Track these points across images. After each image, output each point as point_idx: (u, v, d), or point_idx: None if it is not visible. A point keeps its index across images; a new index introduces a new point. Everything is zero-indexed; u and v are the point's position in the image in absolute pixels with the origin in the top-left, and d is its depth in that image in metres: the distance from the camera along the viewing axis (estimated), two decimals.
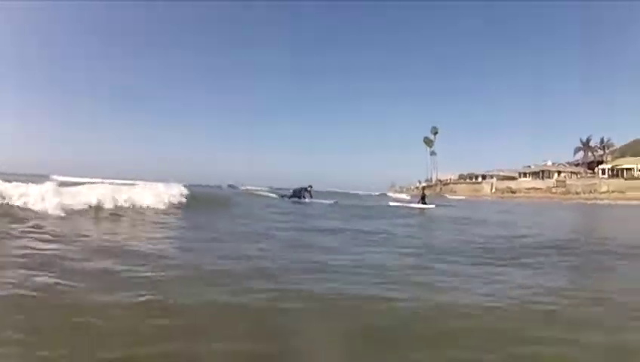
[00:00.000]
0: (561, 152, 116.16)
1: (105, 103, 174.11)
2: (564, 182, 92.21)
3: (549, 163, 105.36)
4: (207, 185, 52.98)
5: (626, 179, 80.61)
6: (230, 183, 65.70)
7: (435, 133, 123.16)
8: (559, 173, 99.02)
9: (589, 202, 66.12)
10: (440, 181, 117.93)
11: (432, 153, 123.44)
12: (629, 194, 72.37)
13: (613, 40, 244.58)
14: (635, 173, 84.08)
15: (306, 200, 28.83)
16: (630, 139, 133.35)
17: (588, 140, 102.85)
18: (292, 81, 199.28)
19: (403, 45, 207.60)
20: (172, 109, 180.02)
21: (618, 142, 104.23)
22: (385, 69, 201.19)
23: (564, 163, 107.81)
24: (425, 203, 30.60)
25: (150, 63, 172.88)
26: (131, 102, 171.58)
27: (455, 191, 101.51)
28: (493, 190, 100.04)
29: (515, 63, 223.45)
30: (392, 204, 33.13)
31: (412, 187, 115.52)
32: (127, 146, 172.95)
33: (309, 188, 30.20)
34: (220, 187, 60.92)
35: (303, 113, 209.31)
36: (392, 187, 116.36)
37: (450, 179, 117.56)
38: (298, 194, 30.03)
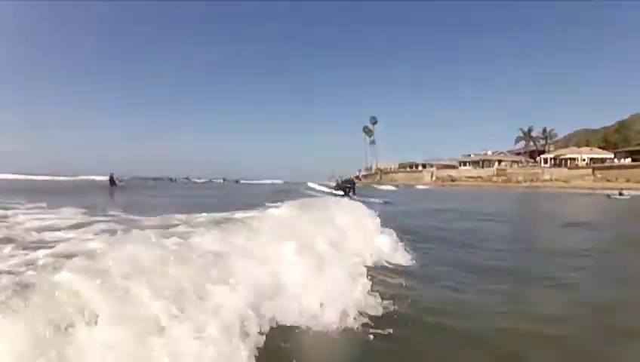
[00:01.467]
0: (504, 142, 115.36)
1: None
2: (504, 170, 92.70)
3: (490, 152, 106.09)
4: None
5: (569, 169, 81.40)
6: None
7: (375, 123, 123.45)
8: (500, 161, 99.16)
9: (531, 191, 66.02)
10: (380, 170, 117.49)
11: (372, 142, 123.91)
12: (573, 182, 73.01)
13: (554, 30, 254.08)
14: (580, 163, 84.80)
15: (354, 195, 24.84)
16: (574, 129, 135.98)
17: (529, 130, 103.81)
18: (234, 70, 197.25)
19: (342, 34, 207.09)
20: None
21: (561, 133, 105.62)
22: (328, 58, 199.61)
23: (505, 152, 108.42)
24: (352, 192, 27.80)
25: None
26: None
27: (395, 180, 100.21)
28: (434, 178, 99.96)
29: (456, 52, 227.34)
30: (309, 192, 32.48)
31: (352, 176, 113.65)
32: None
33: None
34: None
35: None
36: (331, 177, 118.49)
37: (391, 168, 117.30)
38: (344, 187, 26.40)
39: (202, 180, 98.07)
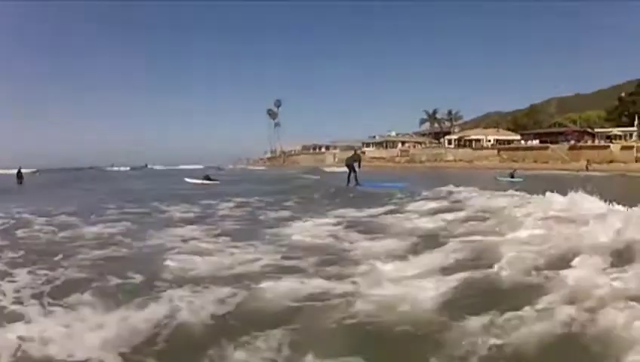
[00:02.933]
0: (412, 125, 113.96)
1: None
2: (407, 151, 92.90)
3: (393, 133, 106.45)
4: None
5: (474, 150, 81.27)
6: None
7: (279, 106, 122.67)
8: (403, 143, 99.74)
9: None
10: (284, 152, 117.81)
11: (277, 125, 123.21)
12: (477, 163, 71.94)
13: (465, 14, 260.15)
14: (485, 144, 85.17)
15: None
16: (483, 112, 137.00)
17: (434, 112, 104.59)
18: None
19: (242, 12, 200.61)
20: None
21: (474, 115, 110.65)
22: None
23: (410, 133, 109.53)
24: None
25: None
26: None
27: (298, 162, 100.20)
28: (336, 160, 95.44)
29: (362, 35, 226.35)
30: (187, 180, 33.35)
31: (257, 158, 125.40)
32: None
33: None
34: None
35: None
36: (238, 160, 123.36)
37: (294, 151, 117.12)
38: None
39: (125, 168, 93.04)
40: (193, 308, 4.34)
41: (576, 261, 4.94)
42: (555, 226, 6.99)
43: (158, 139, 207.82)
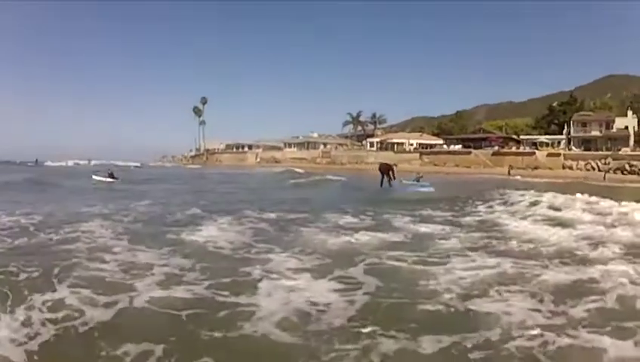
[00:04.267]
0: (335, 126, 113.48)
1: None
2: (328, 152, 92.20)
3: (315, 135, 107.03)
4: None
5: (396, 153, 79.99)
6: None
7: (204, 103, 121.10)
8: (325, 144, 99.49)
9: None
10: (207, 150, 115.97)
11: (202, 123, 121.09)
12: (399, 166, 63.54)
13: (396, 16, 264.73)
14: (407, 148, 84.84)
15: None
16: (410, 116, 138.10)
17: (358, 115, 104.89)
18: None
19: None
20: None
21: (397, 120, 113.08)
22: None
23: (333, 135, 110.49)
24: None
25: None
26: None
27: (221, 161, 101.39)
28: (258, 160, 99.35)
29: (289, 35, 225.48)
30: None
31: (181, 156, 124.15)
32: None
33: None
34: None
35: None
36: (164, 157, 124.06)
37: (217, 149, 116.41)
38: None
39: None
40: None
41: None
42: None
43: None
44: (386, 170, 27.84)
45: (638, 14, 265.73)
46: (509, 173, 54.50)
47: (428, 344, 3.91)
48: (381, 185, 26.78)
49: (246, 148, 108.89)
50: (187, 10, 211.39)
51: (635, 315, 4.44)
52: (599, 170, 57.12)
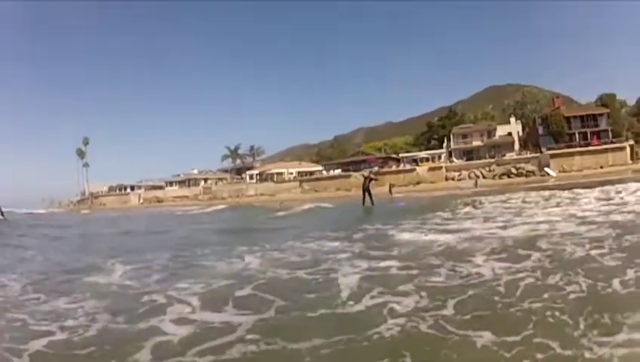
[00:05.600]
0: (215, 160, 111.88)
1: None
2: (209, 188, 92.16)
3: (196, 171, 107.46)
4: None
5: (276, 183, 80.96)
6: None
7: (86, 144, 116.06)
8: (206, 180, 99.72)
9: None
10: (92, 194, 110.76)
11: (85, 165, 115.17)
12: (279, 196, 68.61)
13: (267, 42, 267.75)
14: (287, 177, 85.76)
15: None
16: (289, 145, 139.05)
17: (236, 148, 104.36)
18: None
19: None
20: None
21: (276, 150, 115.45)
22: None
23: (213, 170, 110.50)
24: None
25: None
26: None
27: (104, 204, 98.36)
28: (141, 201, 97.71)
29: (166, 67, 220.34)
30: None
31: (68, 201, 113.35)
32: None
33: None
34: None
35: None
36: (52, 203, 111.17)
37: (101, 191, 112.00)
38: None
39: None
40: None
41: None
42: None
43: None
44: (365, 186, 25.86)
45: (512, 26, 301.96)
46: (390, 192, 55.21)
47: None
48: (363, 203, 24.47)
49: (128, 190, 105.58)
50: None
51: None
52: (484, 178, 60.79)
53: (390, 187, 58.25)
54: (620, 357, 3.01)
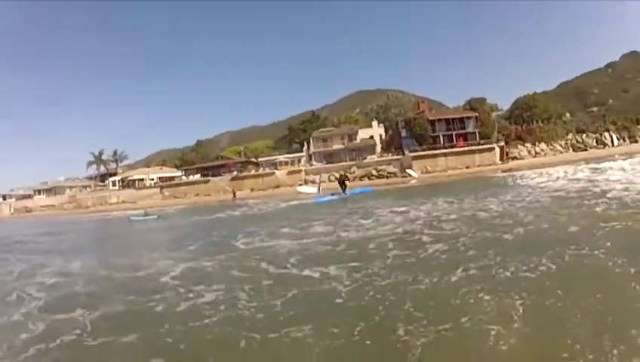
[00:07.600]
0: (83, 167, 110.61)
1: None
2: (74, 196, 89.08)
3: (62, 178, 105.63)
4: None
5: (137, 189, 79.78)
6: None
7: None
8: (71, 188, 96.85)
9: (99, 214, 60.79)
10: None
11: None
12: (140, 203, 69.22)
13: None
14: (148, 183, 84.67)
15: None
16: (156, 150, 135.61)
17: (100, 153, 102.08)
18: None
19: None
20: None
21: (143, 154, 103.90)
22: None
23: (80, 177, 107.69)
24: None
25: None
26: None
27: None
28: (12, 211, 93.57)
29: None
30: None
31: None
32: None
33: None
34: None
35: None
36: None
37: None
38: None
39: None
40: None
41: None
42: None
43: None
44: (342, 181, 36.05)
45: (386, 31, 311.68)
46: (233, 196, 58.47)
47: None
48: (343, 192, 33.89)
49: (0, 199, 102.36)
50: None
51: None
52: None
53: (233, 193, 62.44)
54: None
